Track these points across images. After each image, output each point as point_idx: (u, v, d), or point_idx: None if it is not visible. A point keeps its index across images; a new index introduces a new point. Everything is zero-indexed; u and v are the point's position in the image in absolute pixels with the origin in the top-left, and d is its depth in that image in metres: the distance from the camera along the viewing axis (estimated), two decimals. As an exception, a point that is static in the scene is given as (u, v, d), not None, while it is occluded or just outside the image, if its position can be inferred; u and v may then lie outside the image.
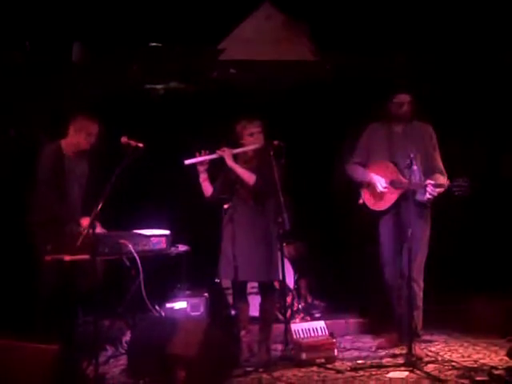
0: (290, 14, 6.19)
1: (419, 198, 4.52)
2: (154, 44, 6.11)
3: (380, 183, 4.66)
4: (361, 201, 4.83)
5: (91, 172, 4.76)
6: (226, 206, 4.80)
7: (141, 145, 4.25)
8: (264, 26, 6.12)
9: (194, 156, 4.56)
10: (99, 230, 4.46)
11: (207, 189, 4.61)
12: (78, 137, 4.64)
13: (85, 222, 4.47)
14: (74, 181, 4.67)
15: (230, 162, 4.55)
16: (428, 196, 4.45)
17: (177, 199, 5.69)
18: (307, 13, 6.09)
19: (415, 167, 4.44)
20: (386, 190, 4.65)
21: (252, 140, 4.59)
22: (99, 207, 4.00)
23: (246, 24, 6.10)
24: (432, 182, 4.45)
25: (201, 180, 4.60)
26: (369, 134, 4.85)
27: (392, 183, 4.65)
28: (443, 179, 4.58)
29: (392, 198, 4.65)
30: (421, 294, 4.72)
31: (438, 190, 4.44)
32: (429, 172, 4.64)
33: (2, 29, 5.51)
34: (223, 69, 6.18)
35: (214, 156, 4.57)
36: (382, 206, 4.72)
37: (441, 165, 4.71)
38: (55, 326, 4.34)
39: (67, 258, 4.22)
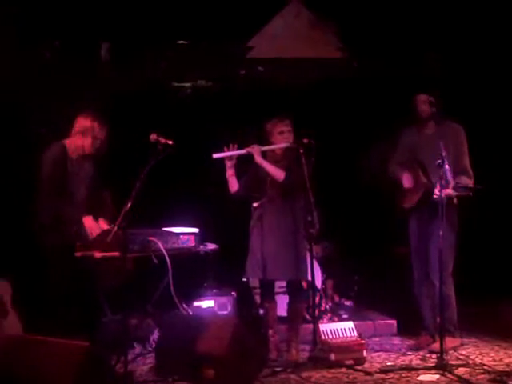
0: (318, 11, 6.17)
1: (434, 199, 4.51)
2: (181, 42, 6.12)
3: (405, 181, 4.76)
4: (397, 199, 4.89)
5: (97, 174, 4.61)
6: (254, 205, 4.77)
7: (170, 142, 4.22)
8: (292, 24, 6.13)
9: (222, 151, 4.54)
10: (104, 225, 4.44)
11: (233, 184, 4.60)
12: (84, 140, 4.44)
13: (86, 221, 4.42)
14: (79, 182, 4.53)
15: (258, 159, 4.52)
16: (436, 193, 4.42)
17: (206, 197, 5.69)
18: (335, 10, 6.07)
19: (447, 166, 4.38)
20: (410, 186, 4.73)
21: (282, 138, 4.57)
22: (129, 205, 3.99)
23: (275, 22, 6.12)
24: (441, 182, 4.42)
25: (227, 175, 4.58)
26: (403, 136, 4.93)
27: (416, 183, 4.71)
28: (469, 181, 4.60)
29: (415, 197, 4.72)
30: (449, 292, 4.70)
31: (447, 191, 4.41)
32: (455, 173, 4.60)
33: (32, 27, 5.55)
34: (251, 67, 6.18)
35: (242, 152, 4.56)
36: (408, 204, 4.80)
37: (467, 166, 4.70)
38: (76, 323, 4.35)
39: (98, 254, 4.23)
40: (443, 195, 4.39)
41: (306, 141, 4.47)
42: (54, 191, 4.42)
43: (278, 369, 4.32)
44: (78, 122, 4.50)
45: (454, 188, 4.42)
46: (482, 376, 4.14)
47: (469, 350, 4.74)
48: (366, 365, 4.43)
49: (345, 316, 5.40)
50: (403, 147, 4.89)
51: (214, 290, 5.18)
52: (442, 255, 4.40)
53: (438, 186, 4.40)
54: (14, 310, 4.49)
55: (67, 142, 4.52)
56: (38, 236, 4.48)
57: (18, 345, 3.78)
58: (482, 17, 5.76)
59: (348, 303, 5.71)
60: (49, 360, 3.61)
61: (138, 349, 4.74)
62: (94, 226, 4.41)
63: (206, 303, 5.06)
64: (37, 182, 4.49)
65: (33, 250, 4.71)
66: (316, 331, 4.48)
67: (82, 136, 4.46)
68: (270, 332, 4.60)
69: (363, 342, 4.51)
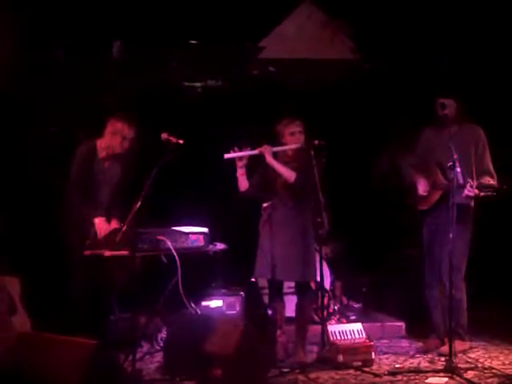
0: (331, 12, 6.16)
1: (459, 200, 4.45)
2: (193, 42, 6.12)
3: (421, 187, 4.72)
4: (410, 200, 4.86)
5: (124, 175, 4.68)
6: (264, 205, 4.77)
7: (181, 141, 4.24)
8: (304, 25, 6.11)
9: (233, 151, 4.55)
10: (115, 224, 4.46)
11: (243, 183, 4.60)
12: (113, 139, 4.56)
13: (98, 221, 4.44)
14: (104, 183, 4.61)
15: (269, 159, 4.53)
16: (466, 193, 4.40)
17: (215, 197, 5.70)
18: (347, 12, 6.05)
19: (458, 169, 4.37)
20: (425, 194, 4.70)
21: (293, 139, 4.57)
22: (138, 204, 4.01)
23: (287, 22, 6.10)
24: (472, 182, 4.44)
25: (238, 175, 4.58)
26: (422, 137, 4.92)
27: (433, 184, 4.67)
28: (492, 181, 4.58)
29: (433, 199, 4.70)
30: (461, 296, 4.68)
31: (476, 191, 4.42)
32: (478, 174, 4.62)
33: (43, 27, 5.57)
34: (263, 67, 6.17)
35: (253, 152, 4.56)
36: (425, 206, 4.77)
37: (490, 167, 4.70)
38: (88, 321, 4.36)
39: (107, 253, 4.25)
40: (471, 195, 4.40)
41: (316, 142, 4.46)
42: (77, 188, 4.49)
43: (286, 369, 4.31)
44: (110, 123, 4.59)
45: (479, 188, 4.41)
46: (491, 379, 4.12)
47: (478, 354, 4.71)
48: (374, 367, 4.42)
49: (353, 317, 5.40)
50: (421, 148, 4.88)
51: (223, 290, 5.18)
52: (455, 259, 4.39)
53: (468, 186, 4.39)
54: (23, 307, 4.51)
55: (98, 141, 4.62)
56: (63, 233, 4.53)
57: (26, 342, 3.79)
58: (496, 19, 5.73)
59: (356, 305, 5.70)
60: (57, 357, 3.61)
61: (146, 347, 4.75)
62: (104, 227, 4.43)
63: (215, 303, 5.06)
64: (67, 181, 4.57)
65: (43, 248, 4.74)
66: (324, 332, 4.47)
67: (112, 136, 4.56)
68: (278, 332, 4.60)
69: (371, 343, 4.49)
